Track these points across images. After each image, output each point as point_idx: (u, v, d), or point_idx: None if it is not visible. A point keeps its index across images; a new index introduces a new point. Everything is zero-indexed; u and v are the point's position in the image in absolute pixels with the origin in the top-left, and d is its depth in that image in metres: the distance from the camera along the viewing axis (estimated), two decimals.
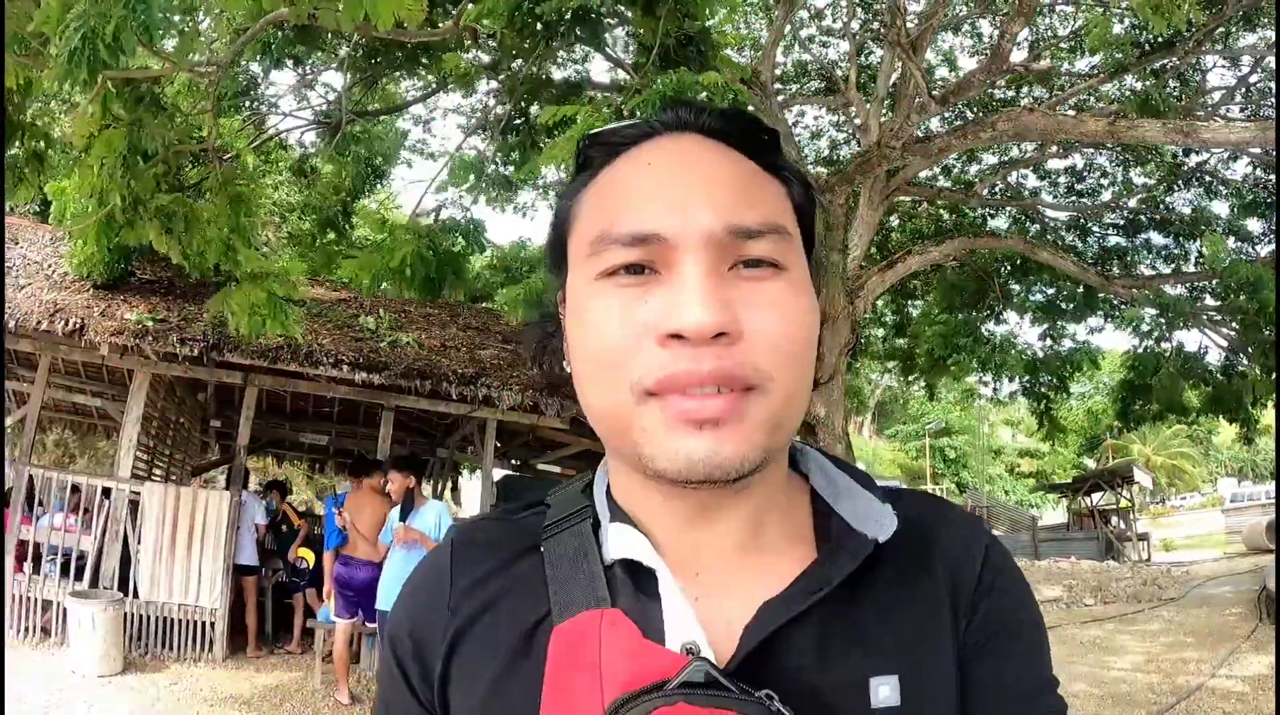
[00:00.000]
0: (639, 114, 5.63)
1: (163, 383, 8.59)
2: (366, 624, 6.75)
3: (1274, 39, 8.99)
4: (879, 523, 0.68)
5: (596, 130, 0.71)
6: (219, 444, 12.91)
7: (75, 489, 7.94)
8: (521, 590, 0.67)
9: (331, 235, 12.91)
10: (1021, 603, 0.71)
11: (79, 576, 7.48)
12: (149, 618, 7.53)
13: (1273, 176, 10.64)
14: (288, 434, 11.93)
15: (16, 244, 8.93)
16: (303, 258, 11.80)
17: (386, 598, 5.80)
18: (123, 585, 7.58)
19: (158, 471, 9.27)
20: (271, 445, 13.52)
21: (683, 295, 0.59)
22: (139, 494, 7.75)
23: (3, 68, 4.56)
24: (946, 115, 11.55)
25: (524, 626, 0.65)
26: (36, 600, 7.45)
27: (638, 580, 0.65)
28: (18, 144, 6.75)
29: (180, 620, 7.60)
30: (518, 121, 8.58)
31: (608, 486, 0.72)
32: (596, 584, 0.64)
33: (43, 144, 6.75)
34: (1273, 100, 10.43)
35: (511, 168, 8.73)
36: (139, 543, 7.63)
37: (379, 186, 14.18)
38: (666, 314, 0.59)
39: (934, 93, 9.02)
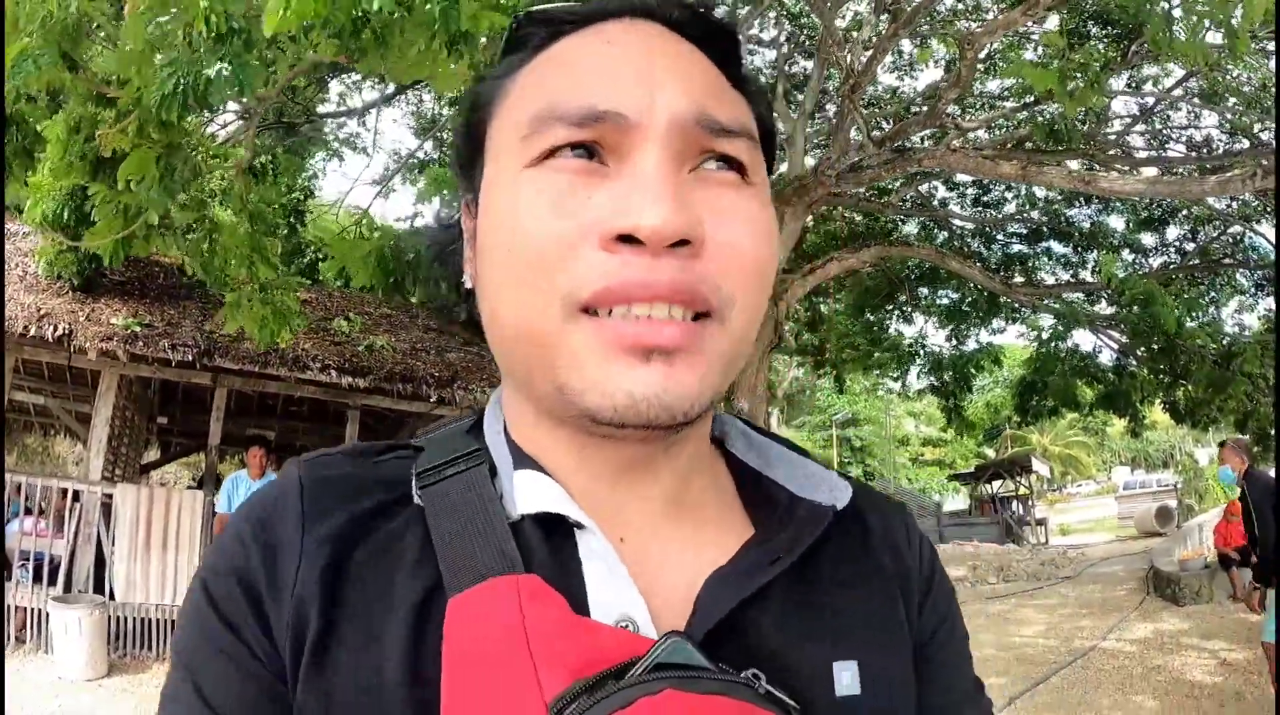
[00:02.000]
0: None
1: (122, 382, 8.86)
2: None
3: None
4: (831, 490, 0.63)
5: (536, 8, 0.61)
6: (160, 441, 13.09)
7: (18, 490, 8.03)
8: (396, 549, 0.55)
9: (284, 233, 13.24)
10: (952, 596, 0.69)
11: (52, 581, 7.68)
12: (126, 619, 7.83)
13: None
14: (231, 429, 12.26)
15: None
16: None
17: None
18: (98, 588, 7.85)
19: (117, 471, 9.52)
20: (232, 443, 13.77)
21: (641, 188, 0.50)
22: (110, 496, 8.02)
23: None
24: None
25: (407, 597, 0.53)
26: (10, 607, 7.59)
27: (552, 541, 0.55)
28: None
29: (158, 620, 7.92)
30: None
31: (503, 428, 0.62)
32: (504, 543, 0.53)
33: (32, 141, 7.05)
34: (1153, 145, 11.77)
35: None
36: (113, 545, 7.89)
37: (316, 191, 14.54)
38: (618, 210, 0.50)
39: (873, 135, 10.04)
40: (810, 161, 14.26)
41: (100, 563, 7.96)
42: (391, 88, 11.01)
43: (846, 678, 0.57)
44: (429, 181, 9.42)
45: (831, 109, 15.51)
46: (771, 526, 0.61)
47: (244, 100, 5.86)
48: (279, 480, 0.60)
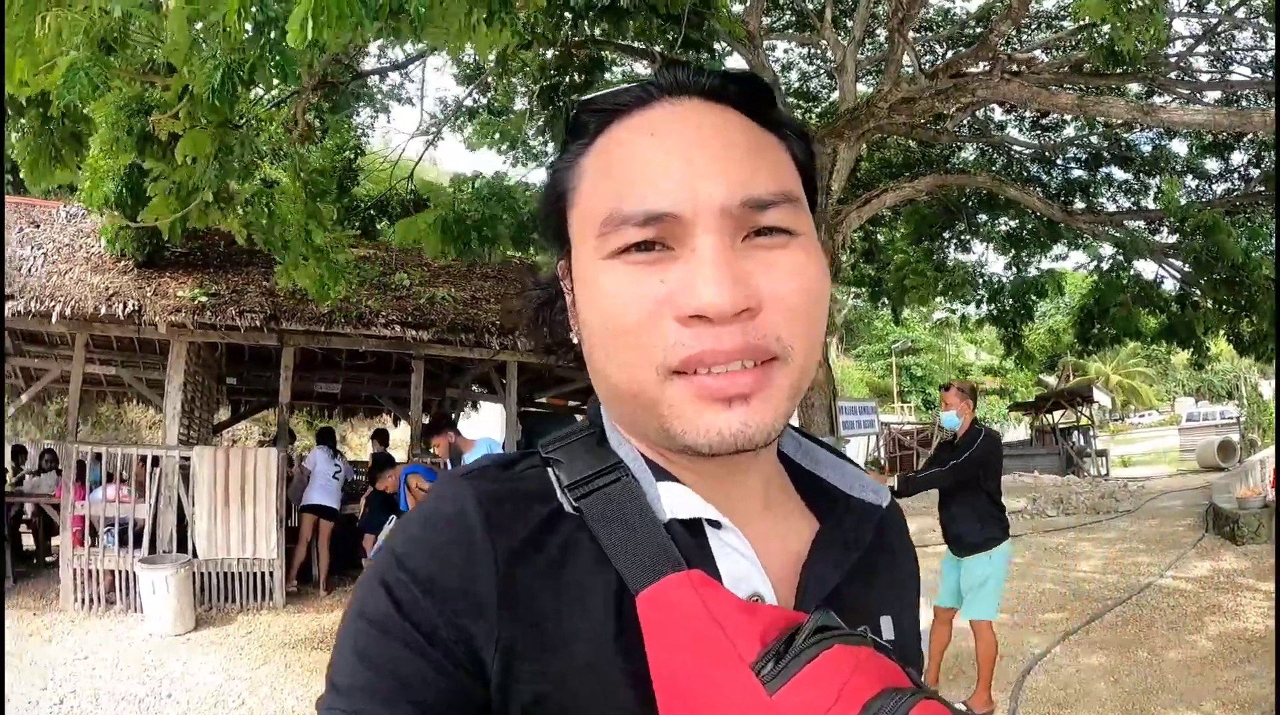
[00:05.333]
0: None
1: (192, 349, 9.30)
2: None
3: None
4: (876, 492, 0.79)
5: (591, 95, 0.72)
6: (230, 401, 13.70)
7: (98, 459, 8.54)
8: (573, 554, 0.66)
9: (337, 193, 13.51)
10: (918, 567, 0.90)
11: (138, 544, 8.24)
12: (209, 575, 8.38)
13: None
14: (297, 385, 12.77)
15: (37, 227, 9.59)
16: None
17: None
18: (181, 547, 8.42)
19: (192, 434, 10.04)
20: (301, 398, 14.28)
21: (701, 275, 0.62)
22: (188, 459, 8.57)
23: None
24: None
25: (599, 596, 0.65)
26: (99, 571, 8.18)
27: (692, 538, 0.68)
28: (52, 123, 7.40)
29: (240, 574, 8.49)
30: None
31: (628, 442, 0.73)
32: (667, 544, 0.65)
33: (81, 126, 7.40)
34: (1242, 67, 11.40)
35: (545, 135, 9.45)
36: (193, 505, 8.42)
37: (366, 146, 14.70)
38: (687, 294, 0.62)
39: (924, 68, 9.98)
40: (862, 89, 14.14)
41: (182, 523, 8.51)
42: None
43: (888, 627, 0.77)
44: (477, 128, 9.65)
45: (882, 34, 15.27)
46: (836, 519, 0.76)
47: (288, 83, 6.12)
48: (450, 496, 0.68)
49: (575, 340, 0.75)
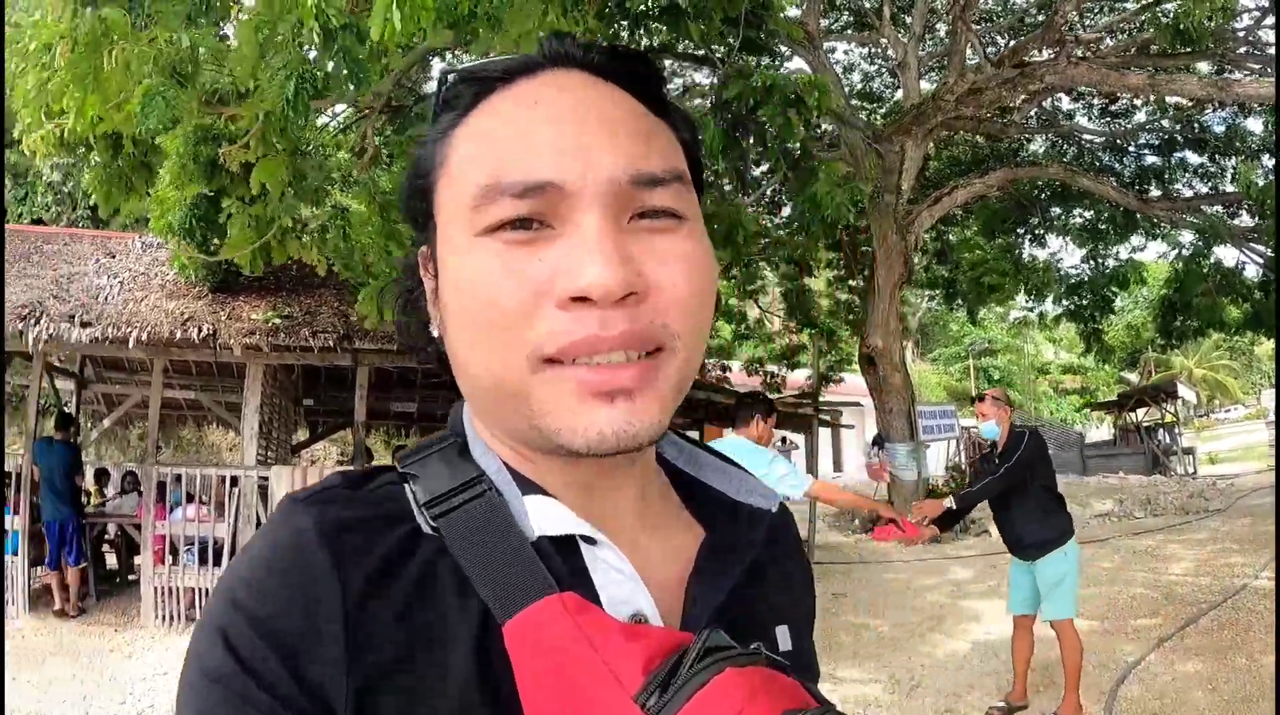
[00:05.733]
0: (735, 105, 6.52)
1: (268, 371, 9.47)
2: None
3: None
4: (764, 496, 0.74)
5: (466, 65, 0.66)
6: (307, 421, 13.95)
7: (178, 480, 8.73)
8: (435, 584, 0.60)
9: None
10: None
11: (217, 562, 8.41)
12: None
13: None
14: (373, 405, 12.97)
15: (113, 257, 9.96)
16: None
17: None
18: None
19: (270, 455, 10.24)
20: (377, 417, 14.49)
21: (586, 253, 0.56)
22: (267, 479, 8.69)
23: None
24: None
25: (465, 628, 0.58)
26: (179, 588, 8.37)
27: (563, 555, 0.62)
28: (120, 154, 7.63)
29: None
30: None
31: (489, 451, 0.68)
32: (535, 565, 0.59)
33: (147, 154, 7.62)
34: None
35: None
36: None
37: None
38: (569, 273, 0.57)
39: (989, 55, 9.81)
40: (926, 86, 13.97)
41: None
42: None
43: (784, 638, 0.72)
44: None
45: (942, 29, 15.08)
46: (723, 527, 0.71)
47: (360, 94, 6.20)
48: (288, 525, 0.60)
49: (435, 333, 0.68)
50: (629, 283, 0.57)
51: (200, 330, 8.28)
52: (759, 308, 17.79)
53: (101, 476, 11.06)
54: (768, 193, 15.27)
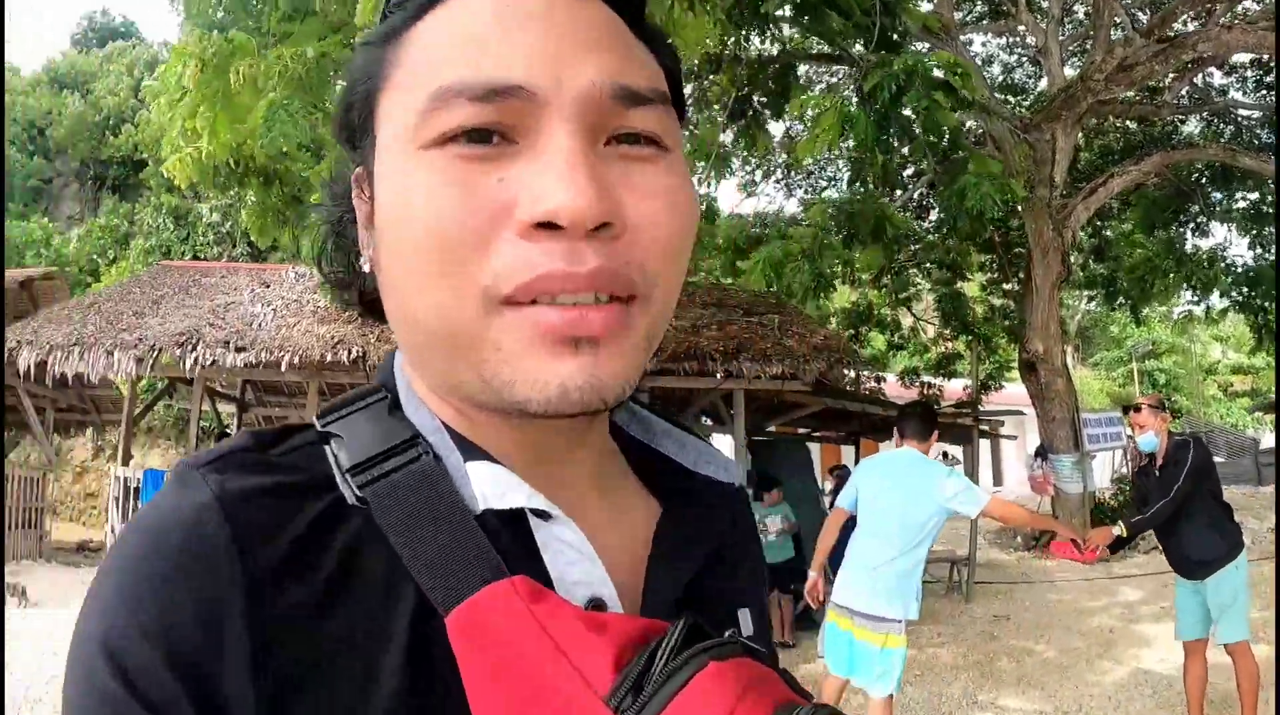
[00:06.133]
0: (881, 92, 6.30)
1: None
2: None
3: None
4: (727, 469, 0.68)
5: None
6: None
7: None
8: (361, 567, 0.50)
9: None
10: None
11: None
12: None
13: None
14: None
15: (268, 287, 10.50)
16: None
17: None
18: None
19: None
20: None
21: (555, 172, 0.48)
22: None
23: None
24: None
25: (399, 621, 0.50)
26: None
27: (510, 532, 0.53)
28: (273, 188, 7.94)
29: None
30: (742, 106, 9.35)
31: (424, 408, 0.58)
32: (481, 545, 0.51)
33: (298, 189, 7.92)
34: None
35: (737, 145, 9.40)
36: None
37: None
38: (534, 195, 0.48)
39: (1138, 27, 9.26)
40: (1070, 72, 13.36)
41: None
42: None
43: (745, 622, 0.65)
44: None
45: (1081, 11, 14.46)
46: (683, 502, 0.64)
47: None
48: (178, 496, 0.50)
49: (366, 268, 0.58)
50: (605, 210, 0.48)
51: (350, 352, 8.54)
52: (913, 315, 17.26)
53: None
54: (914, 196, 14.84)
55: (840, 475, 8.71)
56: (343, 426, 0.55)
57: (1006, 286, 16.04)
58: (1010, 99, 15.73)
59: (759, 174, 15.64)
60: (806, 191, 15.42)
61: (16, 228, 23.71)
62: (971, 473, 11.74)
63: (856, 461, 13.38)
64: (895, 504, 4.26)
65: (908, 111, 6.38)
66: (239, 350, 8.63)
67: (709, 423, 12.40)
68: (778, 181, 16.01)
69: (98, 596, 0.49)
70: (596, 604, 0.53)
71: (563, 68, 0.50)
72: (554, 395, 0.49)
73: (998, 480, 23.19)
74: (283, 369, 8.65)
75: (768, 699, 0.46)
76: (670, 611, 0.53)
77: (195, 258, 20.31)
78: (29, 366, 9.08)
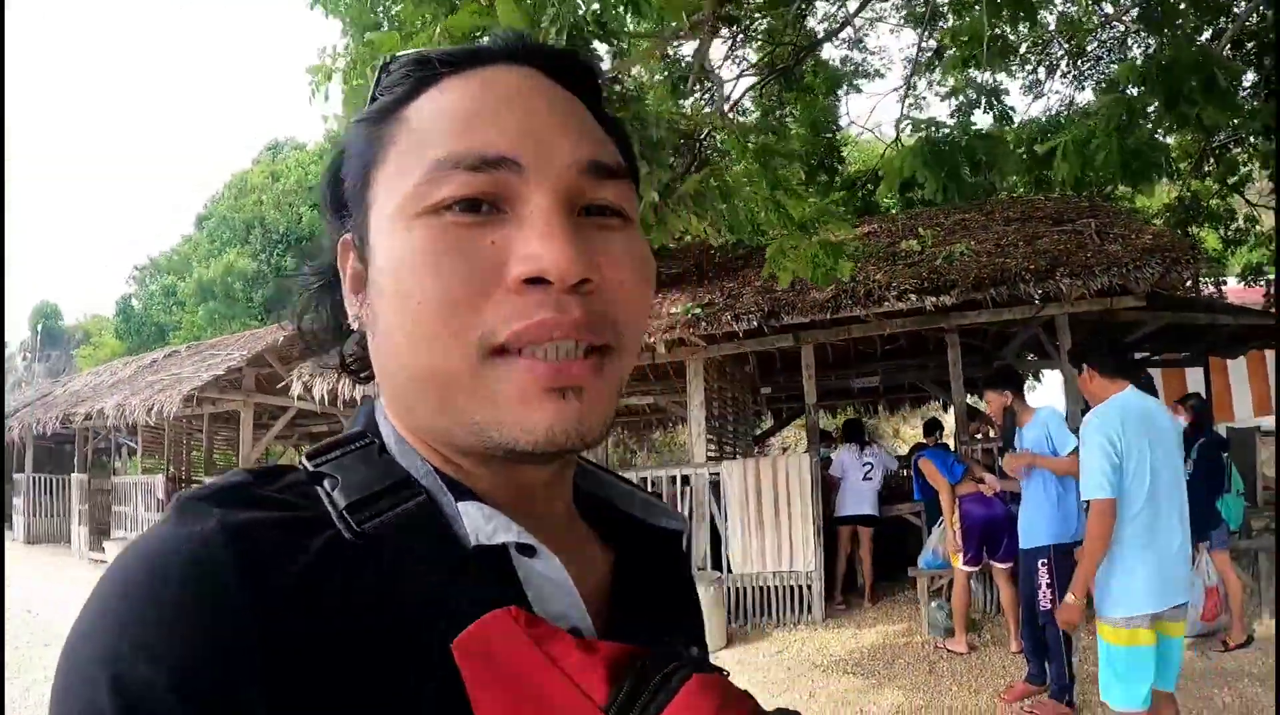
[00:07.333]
0: None
1: (712, 365, 9.35)
2: (995, 564, 6.63)
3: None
4: (669, 518, 0.74)
5: (412, 50, 0.64)
6: (771, 409, 13.93)
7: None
8: (365, 600, 0.52)
9: (824, 178, 13.13)
10: None
11: None
12: (744, 590, 8.31)
13: None
14: (834, 384, 12.53)
15: None
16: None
17: (1029, 534, 5.44)
18: (715, 564, 8.46)
19: (727, 448, 10.22)
20: (833, 397, 14.23)
21: (542, 234, 0.54)
22: (717, 475, 8.58)
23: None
24: None
25: (404, 650, 0.51)
26: None
27: (496, 566, 0.57)
28: None
29: (775, 587, 8.28)
30: None
31: (410, 450, 0.62)
32: (476, 578, 0.55)
33: None
34: None
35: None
36: (725, 521, 8.44)
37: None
38: (523, 256, 0.54)
39: None
40: None
41: (715, 539, 8.54)
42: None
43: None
44: (949, 65, 8.39)
45: None
46: (636, 547, 0.71)
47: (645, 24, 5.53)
48: (179, 525, 0.51)
49: (356, 326, 0.64)
50: (585, 268, 0.55)
51: None
52: (1247, 202, 13.80)
53: None
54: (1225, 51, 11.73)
55: (1195, 407, 6.96)
56: (335, 468, 0.59)
57: None
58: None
59: (1042, 71, 13.28)
60: (1099, 82, 12.72)
61: None
62: None
63: (1207, 388, 10.99)
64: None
65: None
66: None
67: (1034, 358, 10.88)
68: (1063, 74, 13.42)
69: (97, 618, 0.49)
70: (575, 632, 0.56)
71: (544, 144, 0.57)
72: (542, 438, 0.55)
73: None
74: None
75: (744, 706, 0.54)
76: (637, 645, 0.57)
77: None
78: None
